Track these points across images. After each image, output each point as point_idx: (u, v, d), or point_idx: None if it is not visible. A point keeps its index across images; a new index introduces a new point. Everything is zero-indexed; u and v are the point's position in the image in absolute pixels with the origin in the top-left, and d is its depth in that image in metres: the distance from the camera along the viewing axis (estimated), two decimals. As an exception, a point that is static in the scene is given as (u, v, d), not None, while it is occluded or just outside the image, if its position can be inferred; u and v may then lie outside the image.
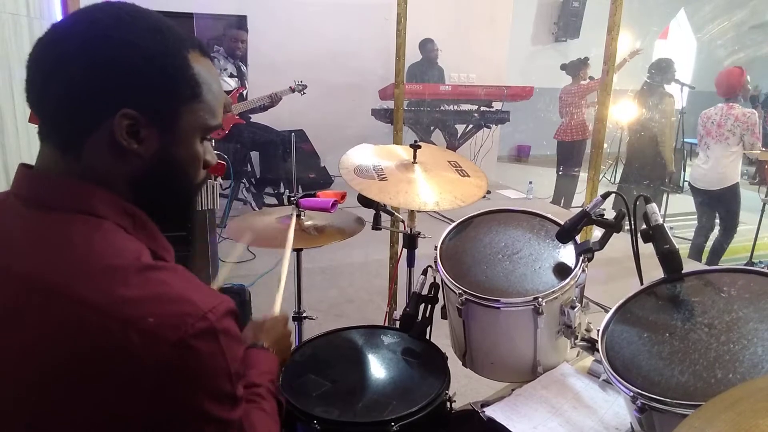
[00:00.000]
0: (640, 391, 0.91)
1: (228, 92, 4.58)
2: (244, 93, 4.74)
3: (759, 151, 4.15)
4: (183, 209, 0.79)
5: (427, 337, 1.39)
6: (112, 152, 0.67)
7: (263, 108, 4.73)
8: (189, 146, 0.72)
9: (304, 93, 4.76)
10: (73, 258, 0.63)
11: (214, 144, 0.80)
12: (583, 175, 5.18)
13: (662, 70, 4.74)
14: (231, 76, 4.66)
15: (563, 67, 5.75)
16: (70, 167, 0.67)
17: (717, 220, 4.39)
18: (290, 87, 4.68)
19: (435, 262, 1.37)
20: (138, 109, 0.66)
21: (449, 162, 1.71)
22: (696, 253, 4.44)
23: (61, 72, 0.65)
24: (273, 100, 4.64)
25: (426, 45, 6.00)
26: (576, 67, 5.66)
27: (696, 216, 4.49)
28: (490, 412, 1.14)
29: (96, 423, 0.60)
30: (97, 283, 0.61)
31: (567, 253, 1.32)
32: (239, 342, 0.68)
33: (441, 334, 1.42)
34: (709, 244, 4.43)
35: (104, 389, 0.59)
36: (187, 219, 0.78)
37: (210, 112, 0.73)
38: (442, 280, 1.35)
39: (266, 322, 1.03)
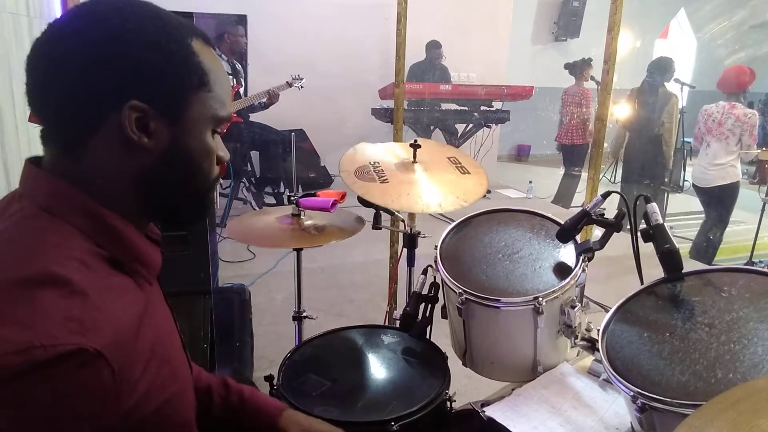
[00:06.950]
0: (640, 390, 0.90)
1: None
2: (241, 91, 4.72)
3: (758, 151, 4.15)
4: (198, 207, 0.75)
5: (427, 336, 1.39)
6: (120, 149, 0.64)
7: (263, 106, 4.68)
8: (201, 138, 0.70)
9: (301, 86, 4.69)
10: None
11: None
12: (583, 175, 5.18)
13: (662, 68, 4.72)
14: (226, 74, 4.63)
15: (567, 66, 5.71)
16: (68, 169, 0.65)
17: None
18: (287, 81, 4.63)
19: (435, 261, 1.37)
20: (146, 101, 0.63)
21: (449, 158, 1.71)
22: (697, 253, 4.43)
23: (63, 69, 0.62)
24: (271, 96, 4.58)
25: (432, 49, 5.95)
26: (579, 68, 5.63)
27: (703, 215, 4.47)
28: (490, 412, 1.13)
29: None
30: None
31: (567, 253, 1.32)
32: (63, 400, 0.53)
33: (441, 334, 1.42)
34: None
35: None
36: (203, 218, 0.70)
37: (219, 102, 0.70)
38: (442, 280, 1.35)
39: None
